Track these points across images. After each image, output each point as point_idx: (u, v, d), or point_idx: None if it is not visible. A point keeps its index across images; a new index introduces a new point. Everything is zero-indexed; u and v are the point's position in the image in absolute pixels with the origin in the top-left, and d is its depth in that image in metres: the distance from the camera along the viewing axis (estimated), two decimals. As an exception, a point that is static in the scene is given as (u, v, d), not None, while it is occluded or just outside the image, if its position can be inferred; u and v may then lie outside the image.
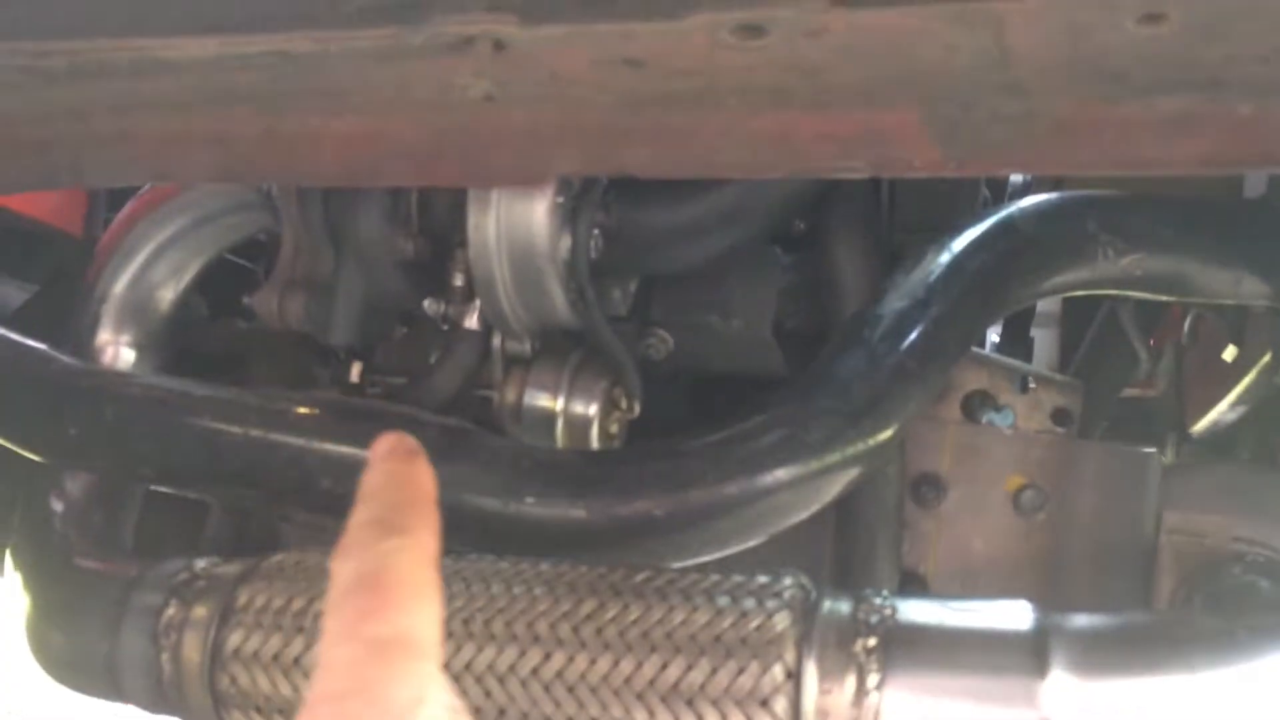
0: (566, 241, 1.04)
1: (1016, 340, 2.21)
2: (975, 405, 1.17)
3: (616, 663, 0.71)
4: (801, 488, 0.91)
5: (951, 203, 1.26)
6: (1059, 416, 1.16)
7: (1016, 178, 1.68)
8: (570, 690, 0.70)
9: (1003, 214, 1.07)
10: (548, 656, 0.72)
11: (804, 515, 0.94)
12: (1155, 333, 1.83)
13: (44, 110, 0.92)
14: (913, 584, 1.15)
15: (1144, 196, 1.09)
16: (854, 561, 1.13)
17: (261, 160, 0.90)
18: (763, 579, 0.74)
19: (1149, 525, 1.12)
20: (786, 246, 1.27)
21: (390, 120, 0.85)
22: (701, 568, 0.79)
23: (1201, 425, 1.78)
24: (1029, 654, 0.67)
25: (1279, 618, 0.70)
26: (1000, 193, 1.55)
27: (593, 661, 0.71)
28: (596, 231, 1.06)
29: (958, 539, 1.15)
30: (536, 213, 1.03)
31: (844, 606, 0.72)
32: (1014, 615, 0.70)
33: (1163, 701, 0.66)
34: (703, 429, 0.96)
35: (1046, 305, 2.28)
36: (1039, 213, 1.07)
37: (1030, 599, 1.15)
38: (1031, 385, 1.17)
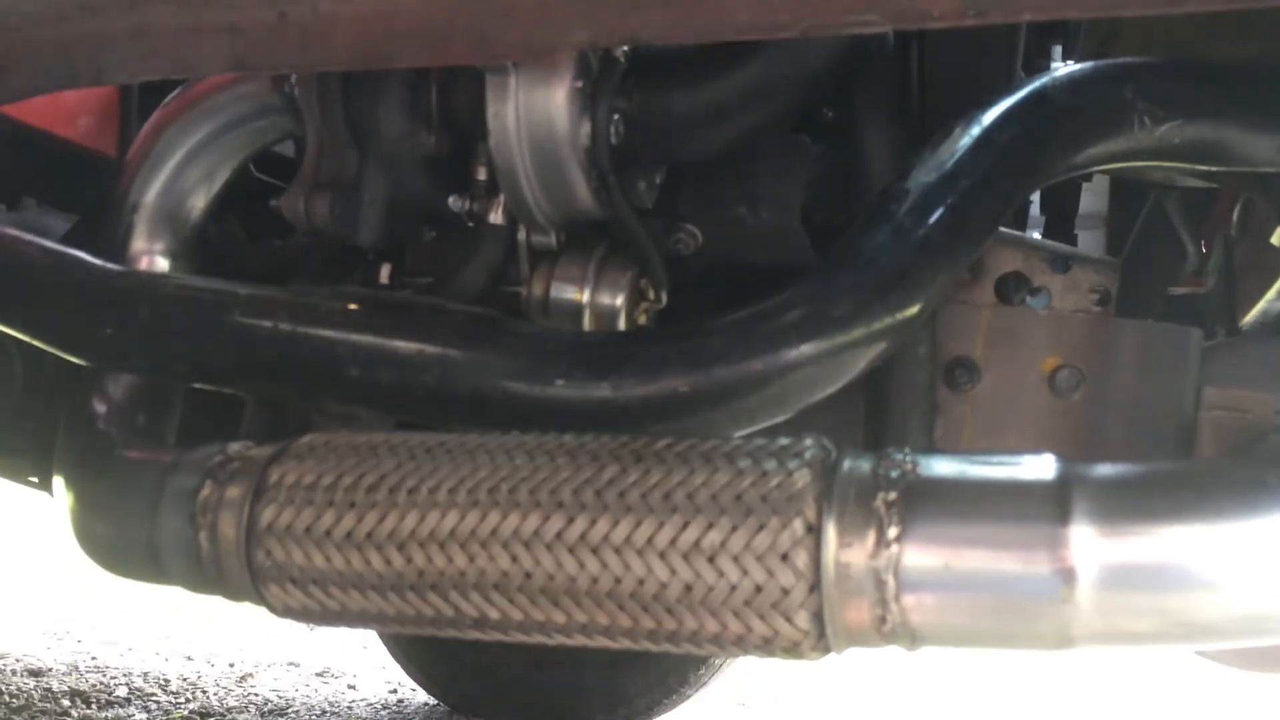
0: (586, 127, 1.03)
1: (1060, 241, 2.16)
2: (1010, 288, 1.15)
3: (638, 524, 0.71)
4: (826, 362, 0.91)
5: (985, 85, 1.22)
6: (1096, 296, 1.14)
7: (1058, 62, 1.63)
8: (594, 552, 0.71)
9: (1035, 85, 1.04)
10: (571, 520, 0.72)
11: (829, 390, 0.93)
12: (1203, 226, 1.78)
13: (61, 8, 0.93)
14: (947, 468, 1.14)
15: (1182, 61, 1.05)
16: (885, 446, 1.12)
17: (275, 48, 0.89)
18: (783, 441, 0.74)
19: (1188, 402, 1.10)
20: (815, 135, 1.25)
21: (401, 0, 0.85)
22: (724, 436, 0.79)
23: (1251, 317, 1.73)
24: (1051, 502, 0.66)
25: (1313, 464, 0.69)
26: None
27: (615, 524, 0.71)
28: (617, 117, 1.05)
29: (992, 421, 1.14)
30: (555, 99, 1.02)
31: (865, 464, 0.72)
32: (1037, 466, 0.69)
33: (1190, 548, 0.65)
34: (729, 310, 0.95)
35: (1091, 204, 2.22)
36: (1072, 82, 1.04)
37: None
38: (1066, 266, 1.14)
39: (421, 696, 2.97)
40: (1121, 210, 2.18)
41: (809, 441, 0.73)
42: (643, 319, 1.14)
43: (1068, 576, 0.65)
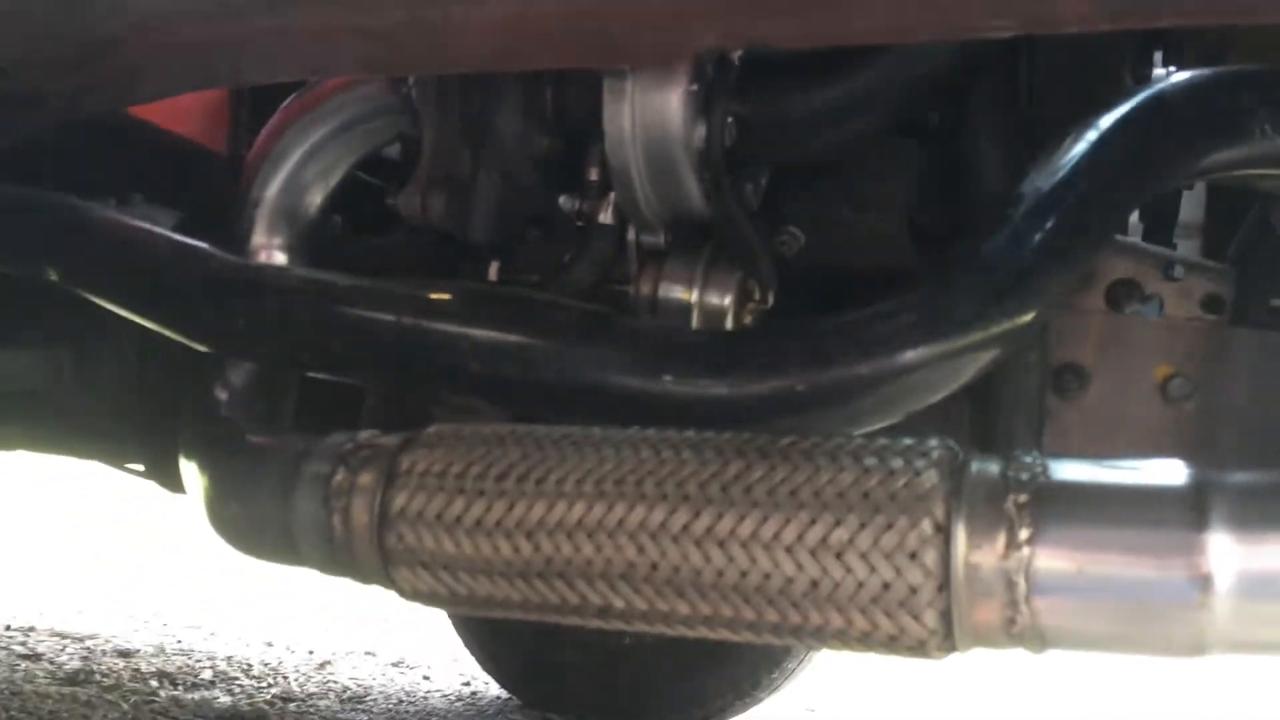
0: (701, 130, 1.05)
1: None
2: (1120, 295, 1.14)
3: (765, 519, 0.72)
4: (942, 366, 0.91)
5: (1094, 91, 1.22)
6: (1209, 303, 1.13)
7: (1161, 71, 1.61)
8: (721, 545, 0.73)
9: (1152, 91, 1.03)
10: (697, 514, 0.74)
11: (942, 394, 0.94)
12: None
13: (204, 10, 0.96)
14: (1052, 474, 1.13)
15: (1306, 68, 1.03)
16: (991, 450, 1.12)
17: (407, 49, 0.92)
18: (909, 441, 0.75)
19: (1304, 414, 1.08)
20: (921, 140, 1.25)
21: (533, 3, 0.87)
22: (847, 435, 0.80)
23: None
24: (1188, 508, 0.66)
25: None
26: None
27: (741, 518, 0.73)
28: (730, 119, 1.06)
29: (1101, 429, 1.13)
30: (671, 101, 1.03)
31: (993, 466, 0.72)
32: (1170, 472, 0.69)
33: (1330, 556, 0.64)
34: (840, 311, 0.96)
35: (1189, 214, 2.18)
36: (1191, 88, 1.03)
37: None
38: (1179, 273, 1.13)
39: (495, 690, 3.01)
40: (1220, 219, 2.13)
41: (935, 442, 0.74)
42: (749, 319, 1.15)
43: (1204, 583, 0.64)
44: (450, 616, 2.90)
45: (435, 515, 0.80)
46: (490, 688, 3.03)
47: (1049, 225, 0.95)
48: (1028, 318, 0.94)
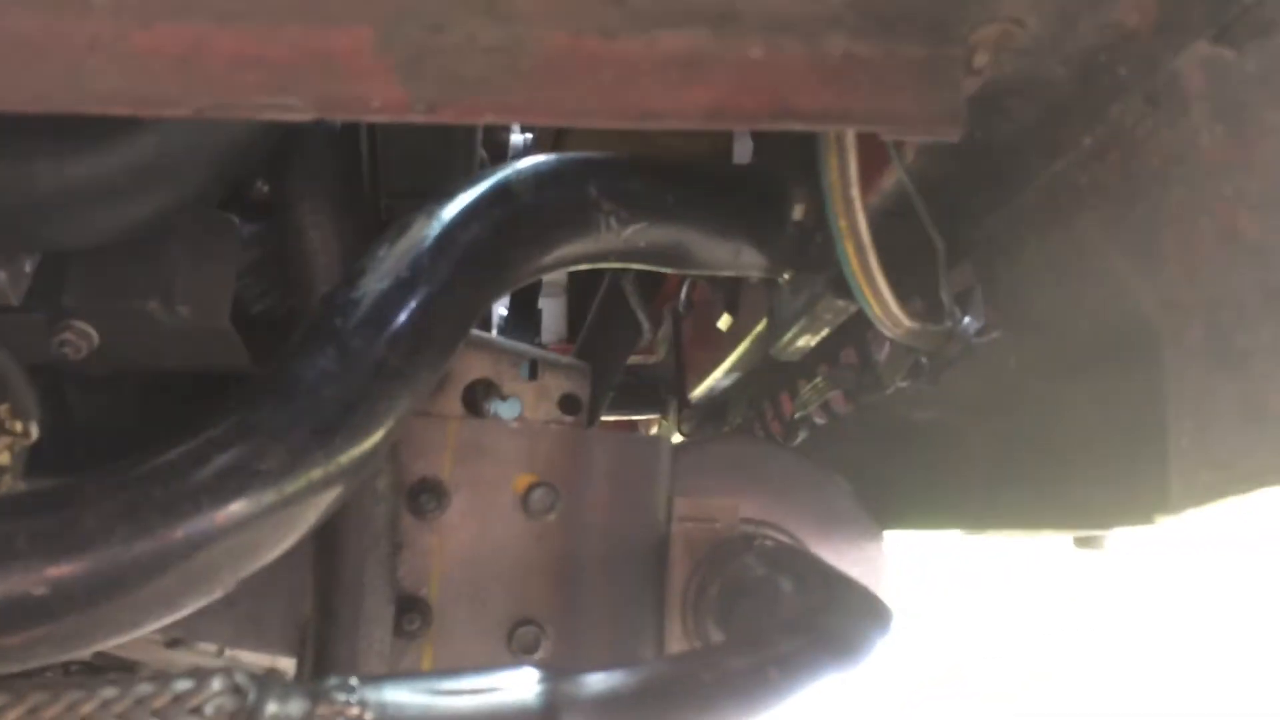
0: (-107, 203, 0.73)
1: (524, 312, 2.15)
2: (478, 396, 1.02)
3: None
4: (257, 529, 0.70)
5: (445, 165, 1.10)
6: (567, 404, 1.05)
7: (518, 137, 1.57)
8: None
9: (497, 177, 0.93)
10: None
11: (269, 559, 0.73)
12: (655, 300, 1.82)
13: None
14: (413, 611, 0.98)
15: (644, 160, 0.99)
16: (339, 596, 0.93)
17: None
18: (181, 686, 0.52)
19: (661, 514, 1.05)
20: (247, 214, 1.03)
21: None
22: (85, 683, 0.55)
23: (699, 391, 1.81)
24: (539, 741, 0.52)
25: (805, 640, 0.63)
26: (500, 155, 1.43)
27: None
28: (-56, 189, 0.76)
29: (463, 552, 1.00)
30: None
31: (295, 710, 0.52)
32: (519, 689, 0.55)
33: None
34: (116, 464, 0.71)
35: (553, 275, 2.23)
36: (537, 176, 0.94)
37: (544, 611, 1.04)
38: (536, 371, 1.04)
39: None
40: (580, 280, 2.21)
41: (216, 685, 0.52)
42: (4, 459, 0.84)
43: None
44: None
45: None
46: None
47: (385, 337, 0.79)
48: (366, 449, 0.77)
